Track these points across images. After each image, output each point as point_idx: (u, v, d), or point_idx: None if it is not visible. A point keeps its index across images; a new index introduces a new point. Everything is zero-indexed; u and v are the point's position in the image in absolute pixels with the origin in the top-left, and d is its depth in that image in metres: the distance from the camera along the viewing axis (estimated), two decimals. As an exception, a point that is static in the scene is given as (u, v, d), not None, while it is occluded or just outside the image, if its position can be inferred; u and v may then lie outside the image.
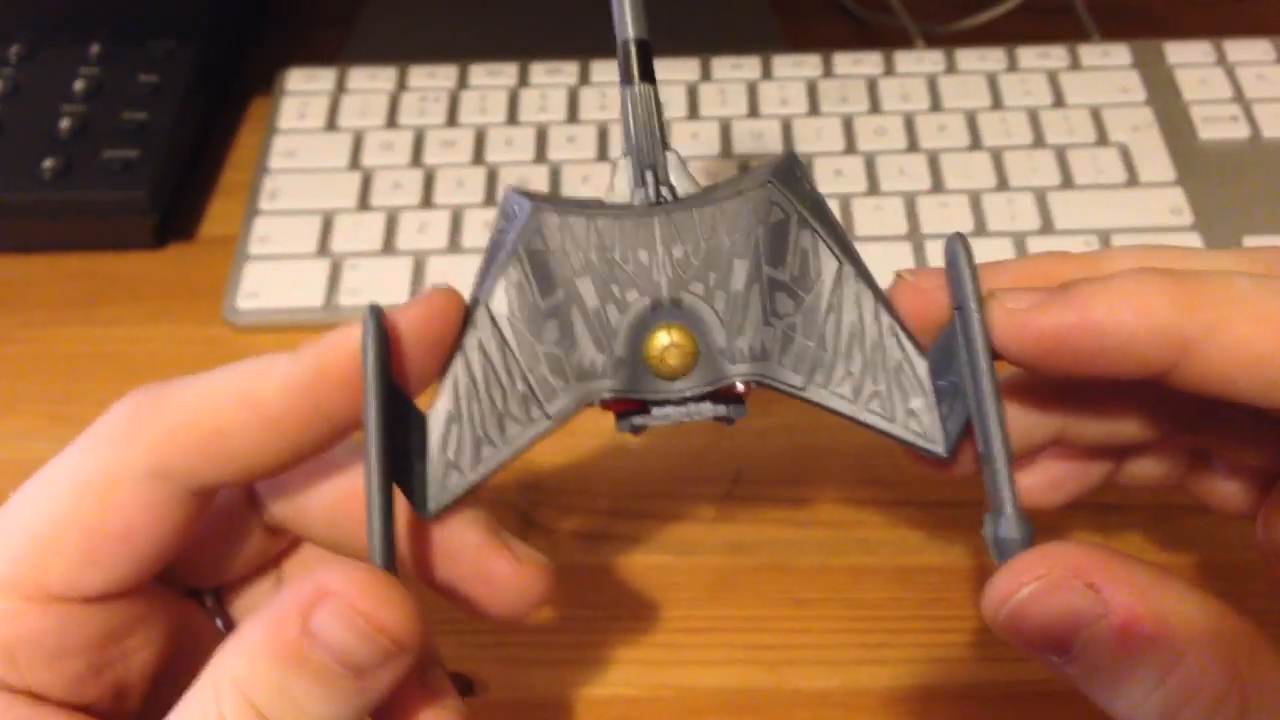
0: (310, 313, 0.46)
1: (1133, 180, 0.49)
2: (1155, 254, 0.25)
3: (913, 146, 0.51)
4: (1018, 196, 0.49)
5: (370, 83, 0.54)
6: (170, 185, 0.51)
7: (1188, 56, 0.54)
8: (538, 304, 0.25)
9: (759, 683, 0.37)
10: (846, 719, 0.36)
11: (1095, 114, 0.52)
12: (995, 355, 0.25)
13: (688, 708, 0.37)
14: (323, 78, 0.55)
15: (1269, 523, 0.28)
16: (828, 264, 0.26)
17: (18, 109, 0.52)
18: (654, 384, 0.26)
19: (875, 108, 0.53)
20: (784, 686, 0.37)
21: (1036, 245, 0.47)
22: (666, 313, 0.26)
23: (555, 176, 0.50)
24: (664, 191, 0.26)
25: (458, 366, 0.25)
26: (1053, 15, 0.59)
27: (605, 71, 0.54)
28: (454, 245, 0.48)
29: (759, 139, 0.52)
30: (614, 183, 0.27)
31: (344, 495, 0.27)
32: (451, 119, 0.53)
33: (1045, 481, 0.30)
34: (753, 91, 0.54)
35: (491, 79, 0.54)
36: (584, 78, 0.54)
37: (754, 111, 0.53)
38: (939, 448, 0.26)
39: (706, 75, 0.54)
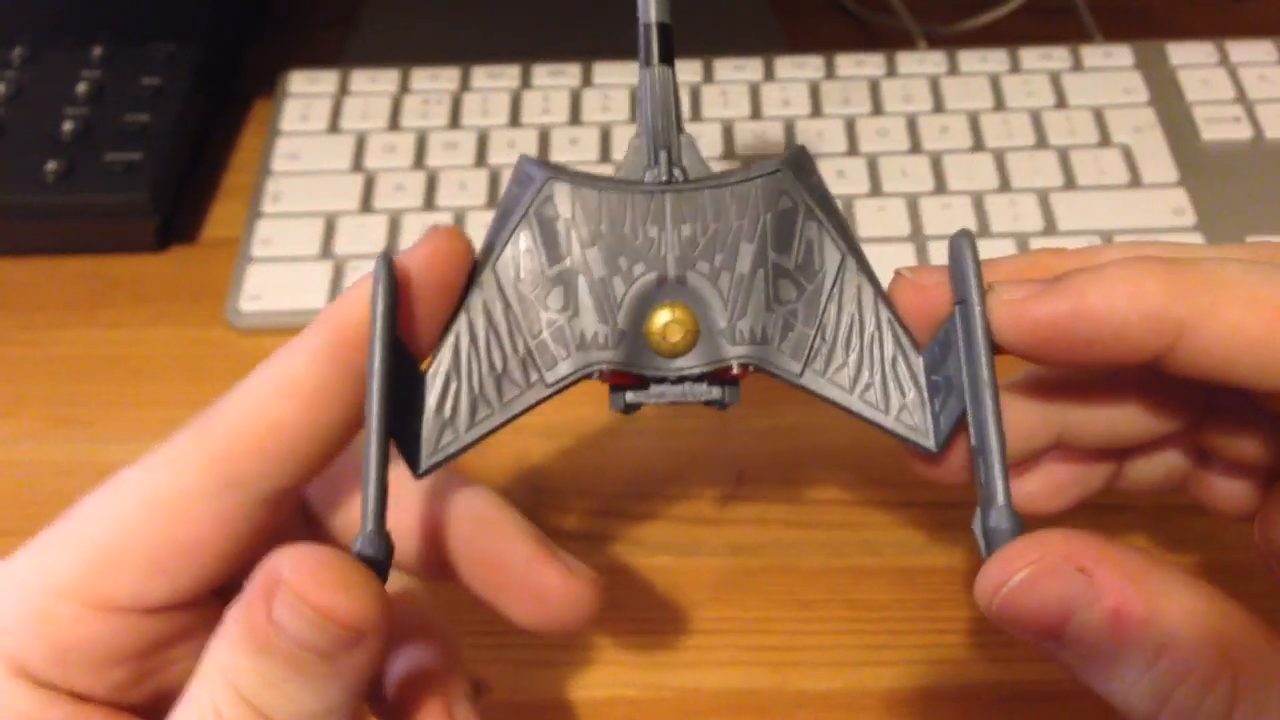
0: (313, 315, 0.46)
1: (1135, 181, 0.49)
2: (1150, 248, 0.26)
3: (915, 148, 0.51)
4: (1020, 197, 0.49)
5: (372, 85, 0.54)
6: (172, 187, 0.51)
7: (1190, 57, 0.54)
8: (544, 270, 0.26)
9: (762, 684, 0.37)
10: (849, 720, 0.36)
11: (1098, 115, 0.52)
12: (995, 348, 0.25)
13: (690, 709, 0.37)
14: (325, 80, 0.55)
15: (1267, 524, 0.28)
16: (831, 255, 0.26)
17: (20, 111, 0.52)
18: (653, 360, 0.26)
19: (877, 109, 0.53)
20: (787, 687, 0.37)
21: (1039, 246, 0.47)
22: (671, 290, 0.26)
23: (557, 178, 0.50)
24: (676, 173, 0.27)
25: (460, 326, 0.26)
26: (1055, 16, 0.59)
27: (607, 73, 0.54)
28: (456, 247, 0.48)
29: (761, 140, 0.52)
30: (627, 160, 0.27)
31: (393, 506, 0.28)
32: (454, 121, 0.53)
33: (1046, 487, 0.30)
34: (755, 93, 0.54)
35: (494, 81, 0.54)
36: (586, 79, 0.54)
37: (756, 113, 0.53)
38: (929, 442, 0.26)
39: (709, 76, 0.54)
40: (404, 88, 0.54)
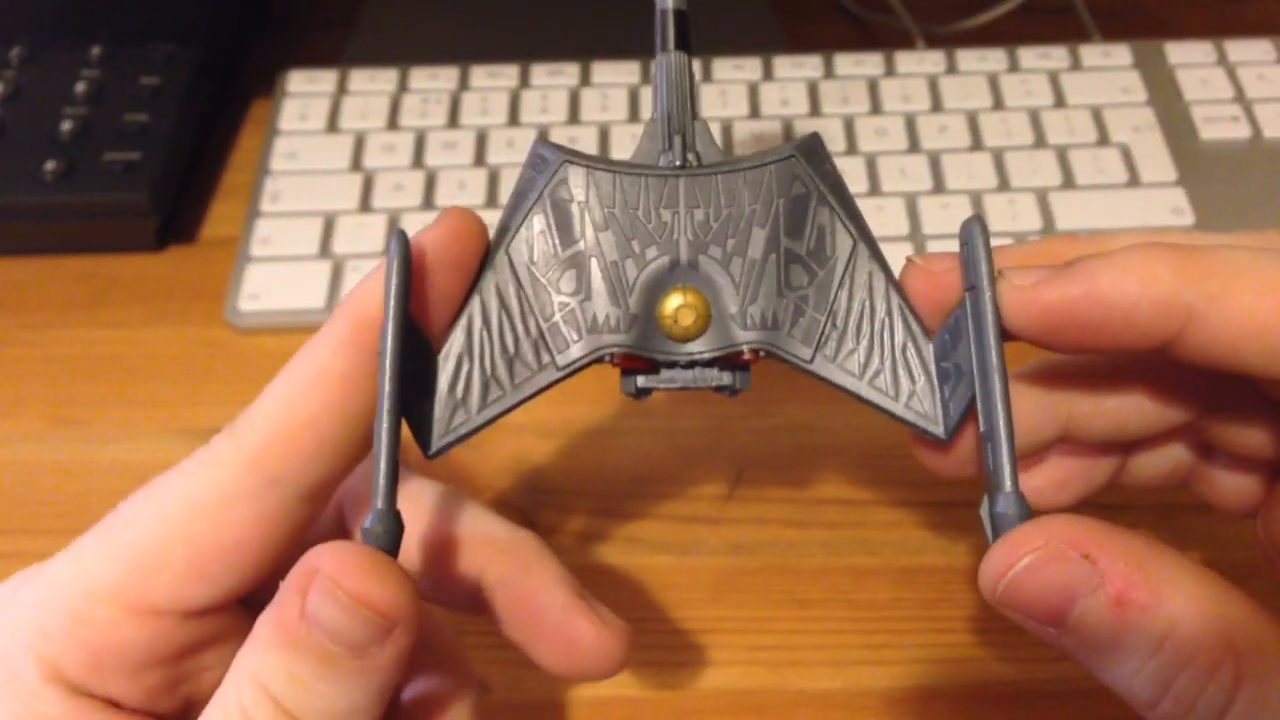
0: (312, 314, 0.46)
1: (1134, 180, 0.49)
2: (1161, 236, 0.26)
3: (914, 147, 0.51)
4: (1019, 197, 0.49)
5: (371, 84, 0.54)
6: (171, 187, 0.51)
7: (1189, 57, 0.54)
8: (558, 253, 0.26)
9: (761, 683, 0.37)
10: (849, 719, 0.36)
11: (1096, 114, 0.52)
12: (1005, 334, 0.25)
13: (689, 708, 0.37)
14: (324, 79, 0.55)
15: (1271, 518, 0.28)
16: (843, 242, 0.26)
17: (19, 111, 0.52)
18: (664, 344, 0.26)
19: (876, 108, 0.53)
20: (786, 687, 0.37)
21: (1038, 245, 0.47)
22: (683, 274, 0.26)
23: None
24: (691, 157, 0.27)
25: (474, 307, 0.26)
26: (1053, 16, 0.59)
27: (606, 73, 0.54)
28: (455, 246, 0.48)
29: (760, 140, 0.52)
30: (642, 145, 0.27)
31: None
32: (453, 120, 0.53)
33: (1051, 482, 0.30)
34: (754, 92, 0.54)
35: (492, 80, 0.54)
36: (585, 79, 0.54)
37: (755, 112, 0.53)
38: (938, 429, 0.26)
39: (708, 76, 0.54)
40: (403, 87, 0.54)
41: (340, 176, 0.51)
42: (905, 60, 0.55)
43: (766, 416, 0.43)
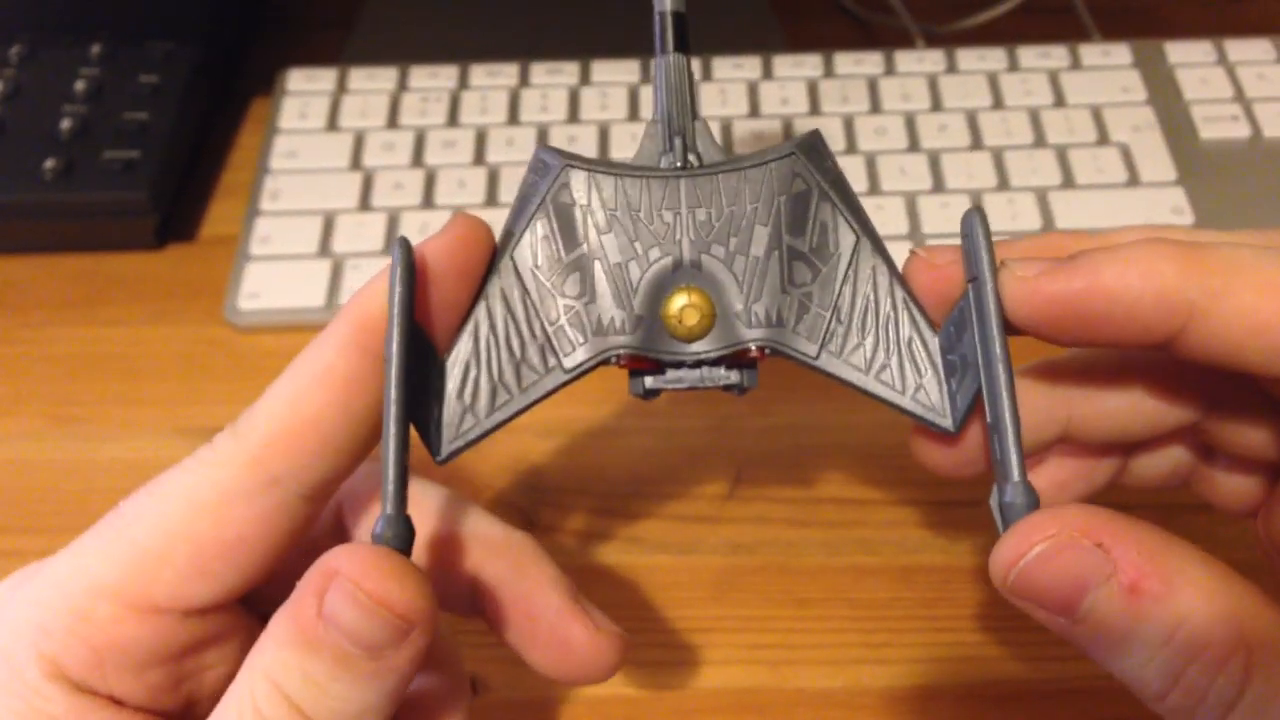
0: (312, 313, 0.46)
1: (1134, 180, 0.49)
2: (1163, 232, 0.26)
3: (914, 146, 0.51)
4: (1019, 196, 0.49)
5: (371, 83, 0.54)
6: (171, 186, 0.51)
7: (1188, 56, 0.54)
8: (561, 256, 0.26)
9: (761, 682, 0.37)
10: (848, 719, 0.36)
11: (1096, 114, 0.52)
12: (1008, 326, 0.25)
13: (689, 707, 0.37)
14: (323, 78, 0.55)
15: (1271, 518, 0.28)
16: (846, 237, 0.26)
17: (18, 110, 0.52)
18: (670, 344, 0.26)
19: (876, 107, 0.53)
20: (786, 686, 0.37)
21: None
22: (687, 274, 0.26)
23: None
24: (691, 158, 0.27)
25: (480, 313, 0.26)
26: (1053, 15, 0.59)
27: (606, 72, 0.54)
28: (455, 245, 0.48)
29: (760, 139, 0.52)
30: (643, 147, 0.27)
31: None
32: (452, 119, 0.53)
33: (1052, 483, 0.30)
34: (753, 91, 0.54)
35: (492, 79, 0.54)
36: (585, 78, 0.54)
37: (755, 111, 0.53)
38: (946, 421, 0.26)
39: (707, 75, 0.54)
40: (402, 86, 0.54)
41: (340, 175, 0.51)
42: (905, 59, 0.55)
43: (766, 416, 0.43)
